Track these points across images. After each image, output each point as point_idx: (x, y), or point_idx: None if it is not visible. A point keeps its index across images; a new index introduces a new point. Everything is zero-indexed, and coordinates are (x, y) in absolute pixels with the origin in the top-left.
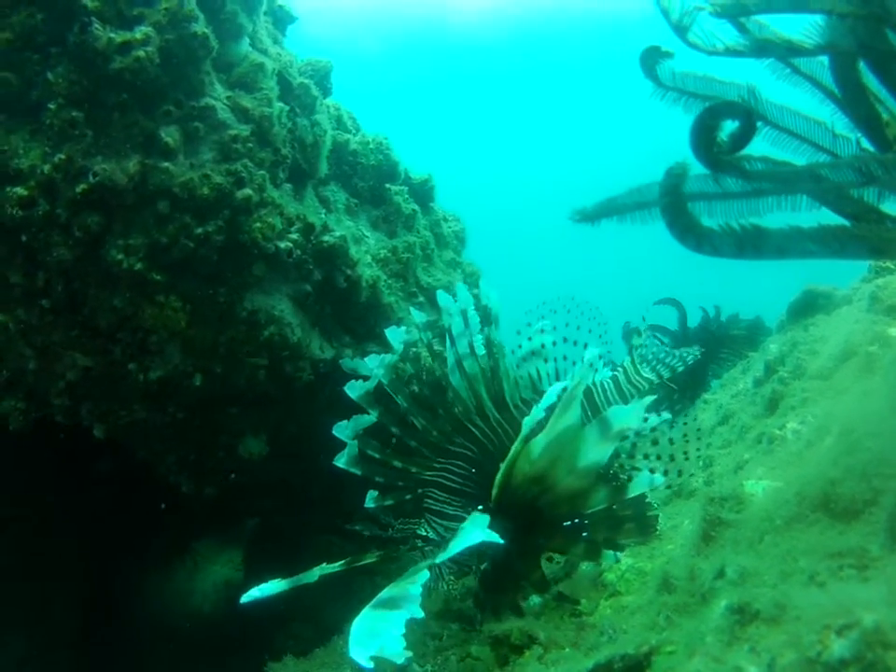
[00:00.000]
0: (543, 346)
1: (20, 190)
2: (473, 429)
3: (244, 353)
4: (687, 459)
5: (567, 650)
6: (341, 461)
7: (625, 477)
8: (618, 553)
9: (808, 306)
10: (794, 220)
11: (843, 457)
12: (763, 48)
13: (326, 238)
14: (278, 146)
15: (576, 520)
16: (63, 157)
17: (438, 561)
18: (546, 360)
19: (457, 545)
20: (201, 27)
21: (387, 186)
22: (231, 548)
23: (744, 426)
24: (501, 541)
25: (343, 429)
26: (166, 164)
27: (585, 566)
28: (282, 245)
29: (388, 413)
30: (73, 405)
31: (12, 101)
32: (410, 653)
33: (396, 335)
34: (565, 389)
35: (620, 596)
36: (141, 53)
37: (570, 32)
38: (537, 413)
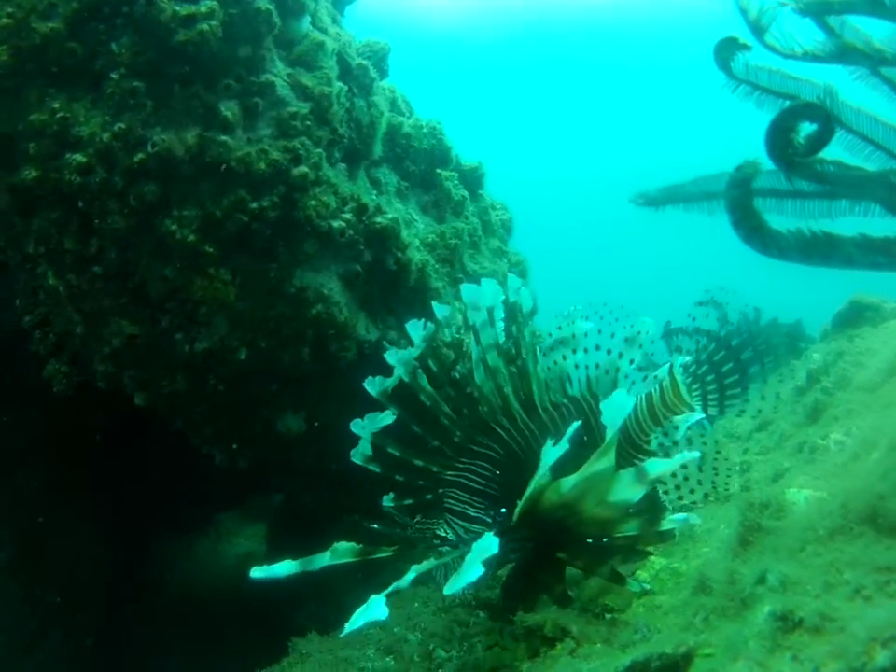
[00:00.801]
0: (574, 336)
1: (79, 157)
2: (499, 430)
3: (290, 329)
4: (715, 488)
5: (599, 645)
6: (357, 458)
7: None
8: (644, 584)
9: (855, 317)
10: (866, 226)
11: (892, 472)
12: (843, 53)
13: (378, 219)
14: (336, 125)
15: (604, 539)
16: (122, 126)
17: (446, 593)
18: (575, 351)
19: (460, 581)
20: (264, 3)
21: (438, 171)
22: (255, 522)
23: (783, 433)
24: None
25: (360, 426)
26: (224, 138)
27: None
28: (335, 224)
29: (409, 411)
30: (116, 371)
31: (76, 70)
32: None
33: (416, 329)
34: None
35: (653, 596)
36: (205, 27)
37: (631, 29)
38: (560, 448)
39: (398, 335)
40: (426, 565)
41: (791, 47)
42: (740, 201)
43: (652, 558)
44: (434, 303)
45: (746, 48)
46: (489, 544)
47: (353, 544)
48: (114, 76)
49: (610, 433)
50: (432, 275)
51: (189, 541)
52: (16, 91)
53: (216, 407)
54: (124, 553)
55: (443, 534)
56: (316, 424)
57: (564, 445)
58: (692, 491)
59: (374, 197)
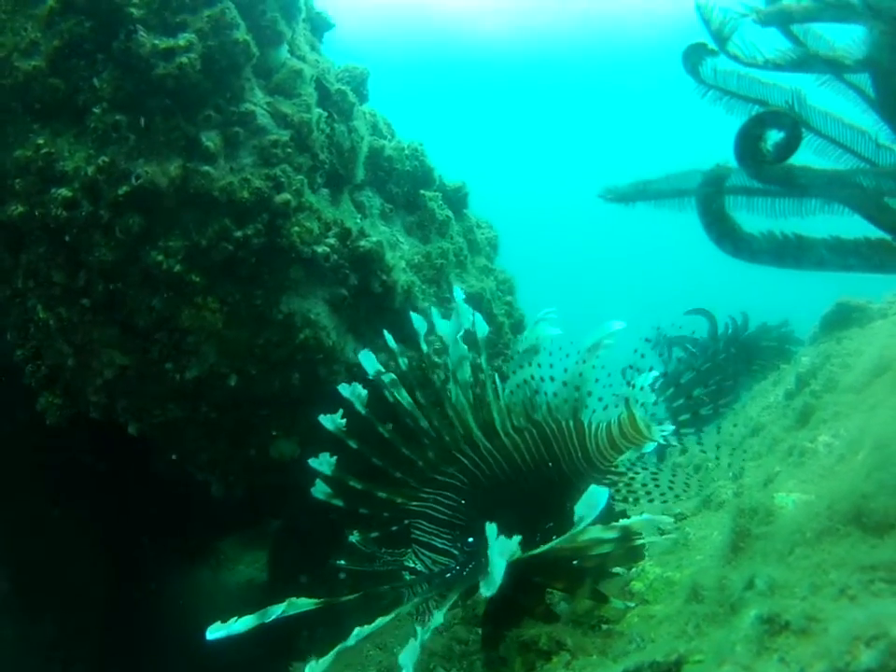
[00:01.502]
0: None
1: (64, 192)
2: (463, 459)
3: (279, 355)
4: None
5: (595, 657)
6: (318, 494)
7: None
8: (628, 604)
9: (842, 319)
10: (837, 225)
11: (876, 472)
12: (803, 62)
13: (362, 243)
14: (316, 151)
15: (574, 562)
16: (106, 159)
17: (486, 595)
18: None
19: (493, 582)
20: (242, 34)
21: (422, 192)
22: (256, 548)
23: (774, 438)
24: None
25: (320, 461)
26: (207, 168)
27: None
28: (319, 249)
29: (369, 444)
30: (109, 402)
31: (59, 106)
32: None
33: (369, 360)
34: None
35: (648, 605)
36: (184, 59)
37: (596, 43)
38: (504, 555)
39: (387, 357)
40: (370, 627)
41: (753, 56)
42: (712, 205)
43: (647, 568)
44: (386, 334)
45: (714, 53)
46: (510, 544)
47: (310, 600)
48: (96, 110)
49: (580, 527)
50: (419, 296)
51: (189, 570)
52: (1, 128)
53: (208, 434)
54: (122, 583)
55: (412, 565)
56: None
57: (511, 549)
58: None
59: (358, 220)
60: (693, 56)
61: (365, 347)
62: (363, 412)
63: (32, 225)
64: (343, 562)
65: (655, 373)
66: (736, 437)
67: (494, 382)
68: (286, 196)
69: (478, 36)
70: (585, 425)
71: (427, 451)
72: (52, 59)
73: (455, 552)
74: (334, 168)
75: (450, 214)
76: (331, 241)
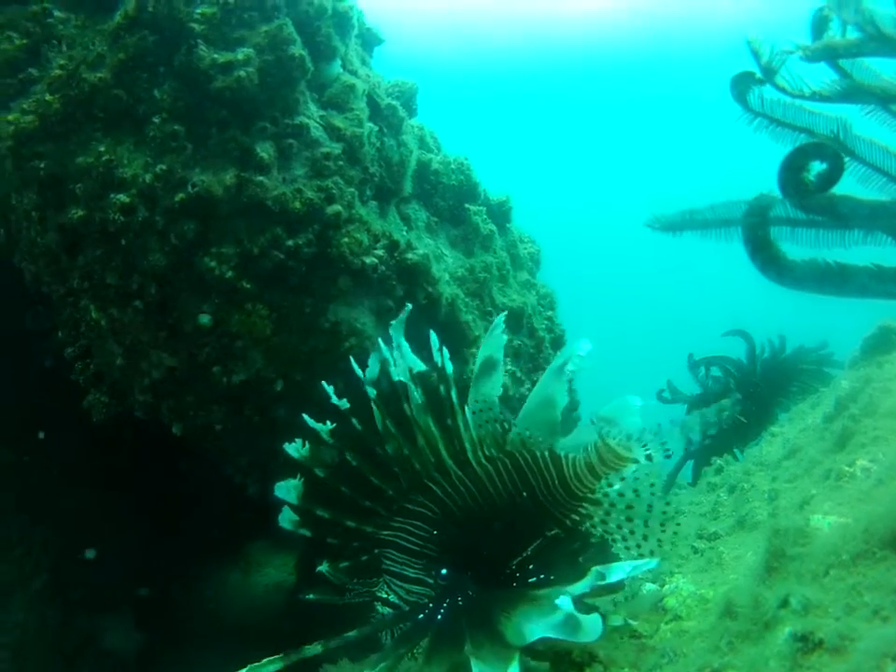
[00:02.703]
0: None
1: (122, 197)
2: (433, 487)
3: (324, 363)
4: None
5: (626, 670)
6: (285, 523)
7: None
8: (629, 620)
9: (883, 343)
10: (878, 254)
11: None
12: (849, 93)
13: (409, 255)
14: (367, 164)
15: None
16: (164, 167)
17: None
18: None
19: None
20: (298, 49)
21: (467, 206)
22: (285, 552)
23: (812, 460)
24: None
25: (285, 489)
26: (261, 178)
27: (647, 588)
28: (368, 260)
29: (337, 472)
30: (155, 402)
31: (121, 115)
32: None
33: (332, 392)
34: None
35: (681, 621)
36: (242, 73)
37: (656, 59)
38: None
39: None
40: None
41: (800, 88)
42: (757, 233)
43: (680, 585)
44: (351, 361)
45: (761, 81)
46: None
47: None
48: (156, 120)
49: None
50: (462, 309)
51: (219, 571)
52: (65, 136)
53: (250, 438)
54: (156, 580)
55: (385, 595)
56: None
57: None
58: (639, 545)
59: (405, 233)
60: (741, 84)
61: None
62: (329, 440)
63: (90, 228)
64: (311, 595)
65: (637, 400)
66: (773, 458)
67: (464, 415)
68: (337, 207)
69: (524, 48)
70: (561, 454)
71: (396, 479)
72: (117, 71)
73: (430, 580)
74: (383, 181)
75: (494, 228)
76: (380, 252)
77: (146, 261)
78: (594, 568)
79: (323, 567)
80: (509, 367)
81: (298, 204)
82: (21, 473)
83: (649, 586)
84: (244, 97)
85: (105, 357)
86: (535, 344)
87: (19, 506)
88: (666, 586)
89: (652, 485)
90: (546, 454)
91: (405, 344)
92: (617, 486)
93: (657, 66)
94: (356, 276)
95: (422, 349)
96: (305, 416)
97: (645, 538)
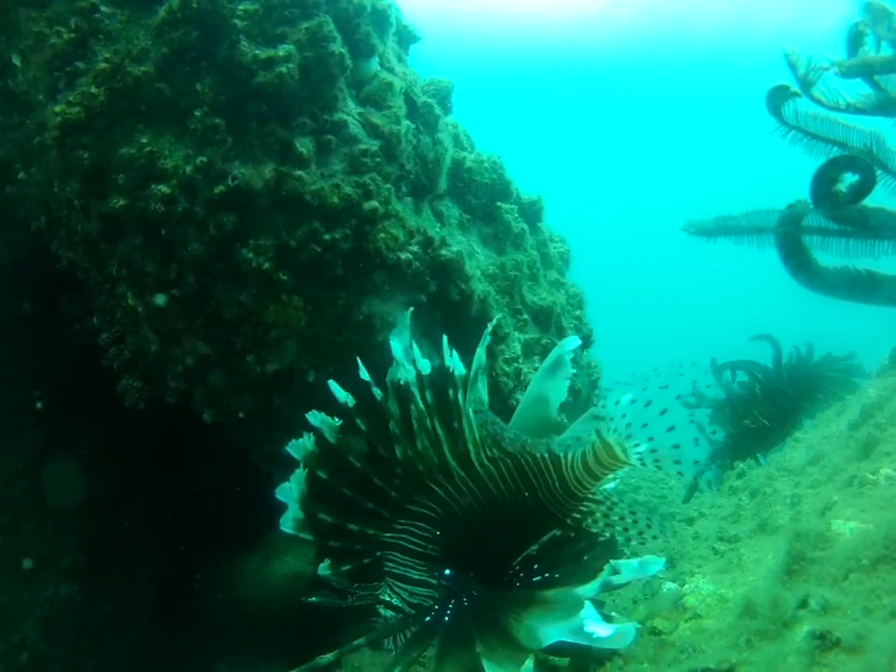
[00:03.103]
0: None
1: (163, 188)
2: (436, 488)
3: (357, 355)
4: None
5: (646, 665)
6: (286, 526)
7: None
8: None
9: None
10: None
11: None
12: (883, 106)
13: (443, 252)
14: (403, 161)
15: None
16: (204, 160)
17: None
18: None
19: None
20: (337, 47)
21: (499, 204)
22: (305, 541)
23: (835, 467)
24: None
25: (285, 491)
26: (300, 172)
27: (667, 587)
28: (403, 256)
29: (339, 474)
30: (187, 389)
31: (163, 108)
32: None
33: (337, 390)
34: None
35: (700, 619)
36: (283, 69)
37: (689, 65)
38: None
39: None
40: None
41: (836, 100)
42: (790, 237)
43: (700, 584)
44: (358, 361)
45: (796, 95)
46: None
47: None
48: (197, 113)
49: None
50: (493, 306)
51: (239, 558)
52: (109, 127)
53: (279, 426)
54: (178, 565)
55: (387, 598)
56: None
57: None
58: (642, 538)
59: (439, 230)
60: (776, 97)
61: (438, 352)
62: (333, 441)
63: (130, 218)
64: (314, 599)
65: (629, 396)
66: (796, 464)
67: (469, 418)
68: (374, 203)
69: (556, 48)
70: (560, 454)
71: (400, 481)
72: (160, 65)
73: (433, 581)
74: (418, 178)
75: (525, 227)
76: (414, 248)
77: (184, 251)
78: (604, 571)
79: (323, 570)
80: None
81: (336, 199)
82: (53, 454)
83: (669, 585)
84: (284, 92)
85: (139, 344)
86: None
87: (52, 487)
88: (686, 585)
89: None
90: (546, 454)
91: (416, 346)
92: (613, 485)
93: (694, 70)
94: (390, 271)
95: (452, 344)
96: (309, 414)
97: (648, 528)
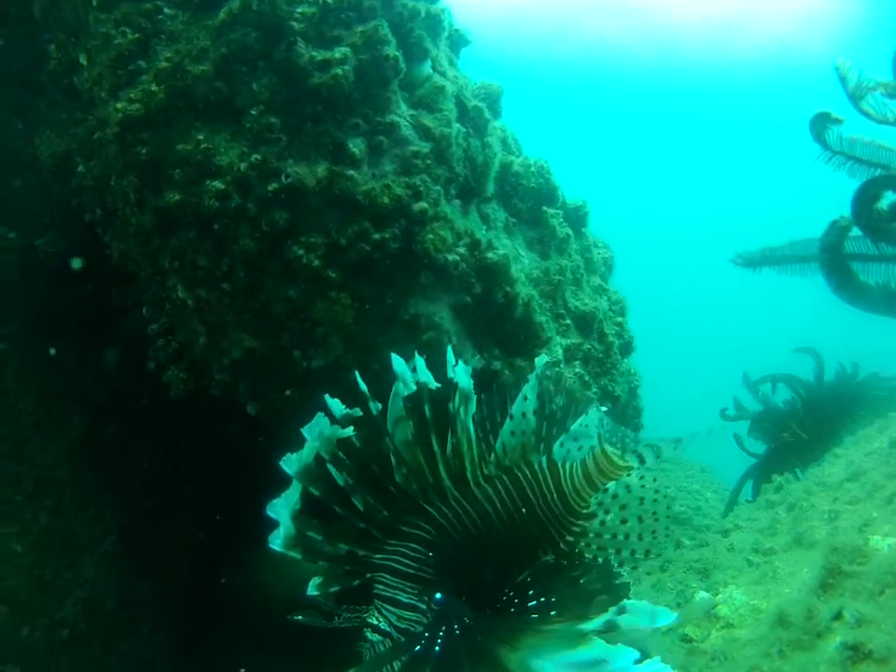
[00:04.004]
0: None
1: (217, 184)
2: (430, 509)
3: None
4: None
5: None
6: (277, 543)
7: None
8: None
9: None
10: None
11: None
12: None
13: (490, 255)
14: (453, 164)
15: None
16: (258, 157)
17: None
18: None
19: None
20: (392, 50)
21: (544, 208)
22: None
23: (875, 484)
24: None
25: (277, 508)
26: (352, 172)
27: (700, 596)
28: (450, 257)
29: (331, 491)
30: (232, 381)
31: (220, 106)
32: None
33: (335, 405)
34: None
35: (732, 629)
36: (338, 71)
37: (742, 89)
38: None
39: (501, 365)
40: None
41: (884, 113)
42: (833, 253)
43: (734, 595)
44: (356, 376)
45: (838, 121)
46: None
47: None
48: (253, 112)
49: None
50: (537, 310)
51: (268, 557)
52: (167, 124)
53: None
54: (211, 551)
55: (375, 622)
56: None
57: None
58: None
59: (485, 232)
60: (819, 124)
61: (482, 354)
62: (328, 456)
63: (185, 212)
64: (300, 617)
65: (602, 409)
66: (835, 479)
67: (468, 434)
68: (423, 205)
69: (619, 56)
70: (559, 464)
71: (393, 500)
72: (218, 64)
73: (423, 606)
74: (467, 181)
75: (570, 232)
76: (461, 250)
77: (236, 246)
78: (610, 610)
79: (312, 590)
80: (577, 370)
81: (386, 200)
82: (96, 440)
83: (702, 594)
84: (339, 94)
85: (187, 335)
86: (604, 349)
87: (94, 470)
88: (719, 595)
89: (642, 499)
90: (544, 464)
91: (420, 359)
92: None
93: (753, 88)
94: (437, 272)
95: (495, 346)
96: (304, 429)
97: (640, 540)
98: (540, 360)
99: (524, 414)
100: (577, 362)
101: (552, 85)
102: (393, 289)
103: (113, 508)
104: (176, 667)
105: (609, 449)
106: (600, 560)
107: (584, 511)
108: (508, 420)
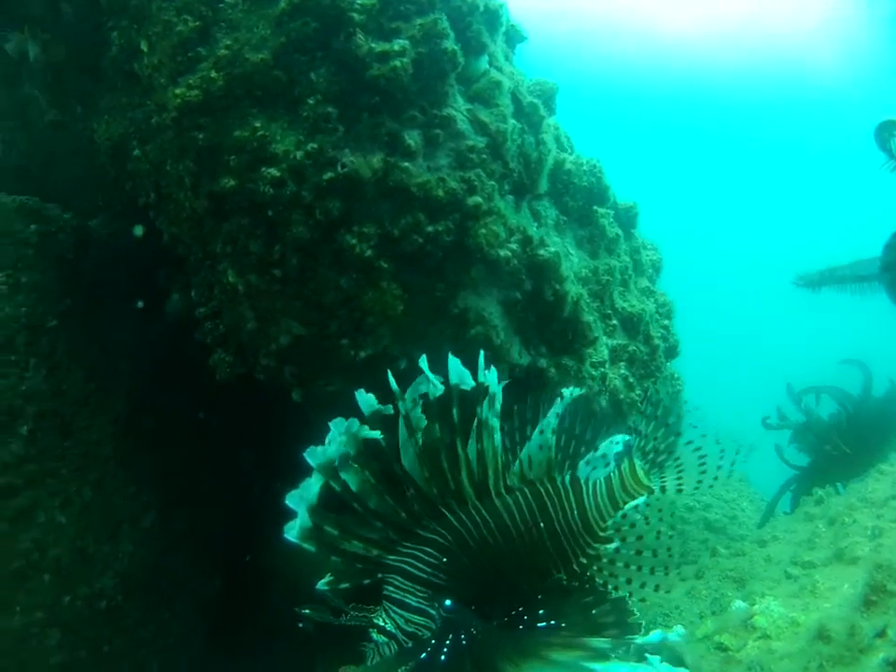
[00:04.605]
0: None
1: (273, 171)
2: (448, 514)
3: (449, 346)
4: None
5: None
6: (292, 534)
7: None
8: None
9: None
10: None
11: None
12: None
13: (541, 252)
14: (508, 160)
15: None
16: (315, 146)
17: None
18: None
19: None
20: (450, 44)
21: (595, 208)
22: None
23: None
24: None
25: (296, 499)
26: (407, 164)
27: (736, 605)
28: (502, 252)
29: (350, 489)
30: (278, 367)
31: (277, 95)
32: None
33: (365, 400)
34: None
35: (769, 640)
36: (397, 63)
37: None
38: None
39: (547, 362)
40: None
41: None
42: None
43: (772, 606)
44: (388, 374)
45: None
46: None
47: None
48: (310, 101)
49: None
50: (585, 309)
51: (292, 552)
52: (224, 111)
53: None
54: (245, 538)
55: (381, 623)
56: None
57: None
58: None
59: (537, 229)
60: (884, 132)
61: (528, 350)
62: (353, 451)
63: (239, 198)
64: (307, 611)
65: (622, 437)
66: (880, 496)
67: (493, 440)
68: (477, 199)
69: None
70: (582, 481)
71: (411, 502)
72: (277, 53)
73: (432, 611)
74: (520, 177)
75: (619, 232)
76: (513, 246)
77: (289, 233)
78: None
79: (322, 585)
80: (622, 371)
81: (440, 192)
82: (140, 419)
83: (738, 603)
84: (396, 86)
85: (235, 320)
86: (649, 351)
87: (136, 448)
88: (756, 605)
89: (659, 533)
90: (567, 481)
91: (454, 360)
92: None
93: (817, 110)
94: (489, 267)
95: (542, 344)
96: (335, 421)
97: (652, 574)
98: (568, 392)
99: (553, 431)
100: (622, 363)
101: (610, 84)
102: (444, 282)
103: (154, 486)
104: (210, 644)
105: (637, 463)
106: (610, 587)
107: (601, 535)
108: (537, 433)
